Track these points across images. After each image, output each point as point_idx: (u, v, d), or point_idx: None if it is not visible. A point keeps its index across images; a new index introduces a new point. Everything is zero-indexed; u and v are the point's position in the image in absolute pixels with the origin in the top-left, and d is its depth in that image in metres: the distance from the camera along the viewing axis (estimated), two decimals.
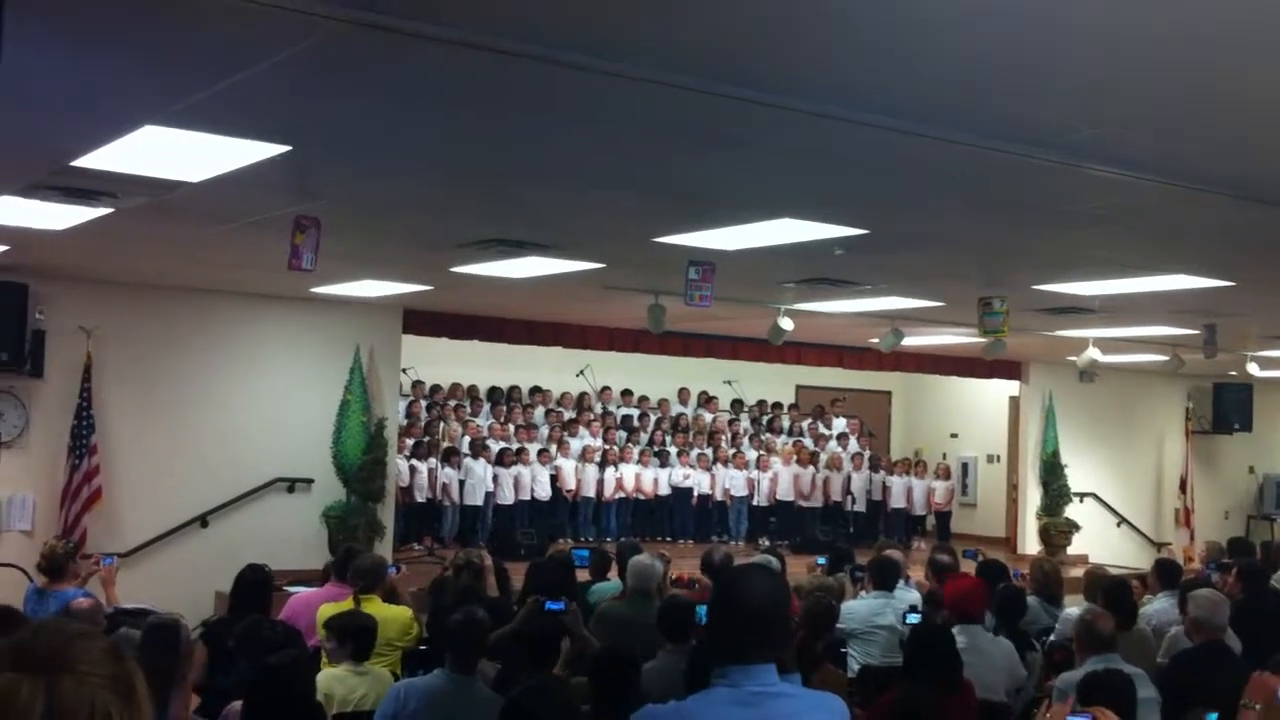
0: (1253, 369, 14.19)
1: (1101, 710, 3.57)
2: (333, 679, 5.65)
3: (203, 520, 11.94)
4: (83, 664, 1.77)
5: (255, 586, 7.05)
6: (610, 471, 15.92)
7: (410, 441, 14.41)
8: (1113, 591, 7.65)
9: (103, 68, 4.64)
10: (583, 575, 9.06)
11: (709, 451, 16.97)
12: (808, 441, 17.83)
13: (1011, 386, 18.02)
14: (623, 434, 16.66)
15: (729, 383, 18.28)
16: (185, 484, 11.83)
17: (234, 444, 12.12)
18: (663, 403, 17.78)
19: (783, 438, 17.93)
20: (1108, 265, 8.43)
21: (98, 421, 11.32)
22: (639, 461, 16.26)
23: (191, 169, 6.23)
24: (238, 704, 4.92)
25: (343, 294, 11.66)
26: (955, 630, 6.59)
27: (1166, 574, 8.72)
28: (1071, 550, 16.72)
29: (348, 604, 6.93)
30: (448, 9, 3.80)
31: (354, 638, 5.95)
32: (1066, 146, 5.14)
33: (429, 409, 15.53)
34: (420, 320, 13.26)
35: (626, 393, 17.60)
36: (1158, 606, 8.30)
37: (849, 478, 17.43)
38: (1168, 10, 3.56)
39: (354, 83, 4.70)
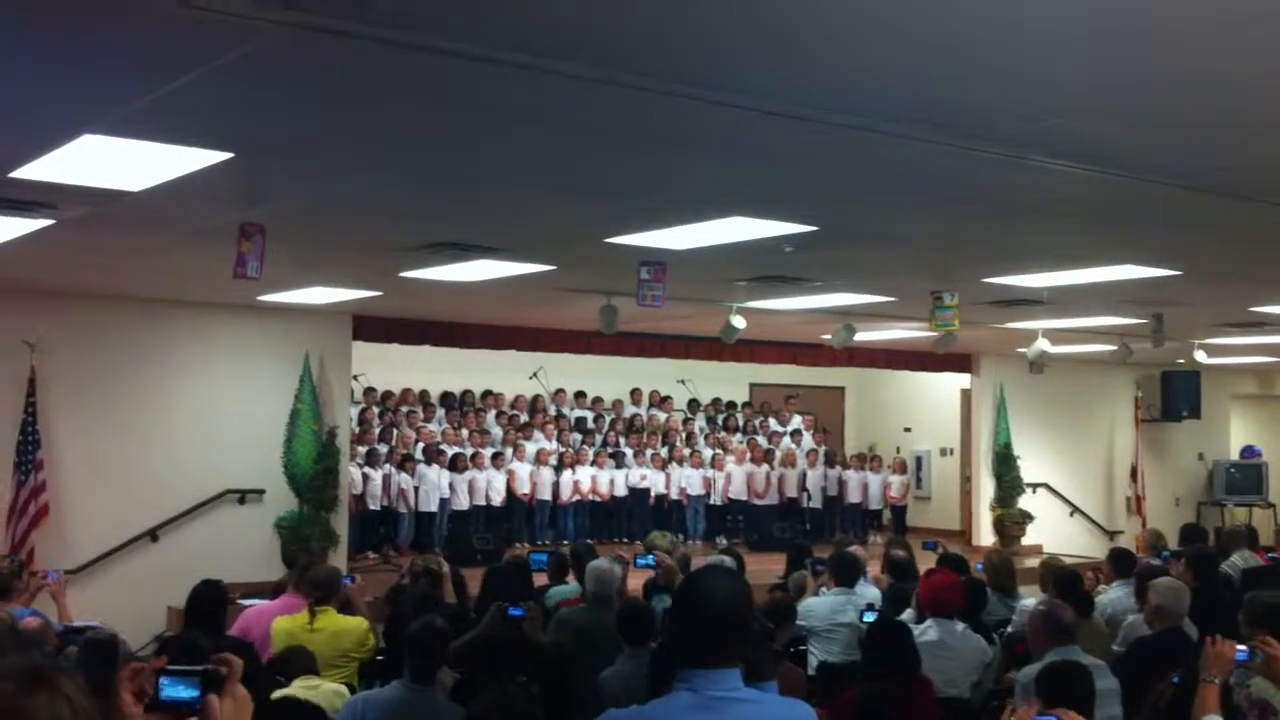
0: (1200, 356, 14.34)
1: (1065, 712, 3.56)
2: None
3: (153, 534, 11.78)
4: None
5: (209, 601, 6.93)
6: (566, 474, 15.86)
7: (363, 449, 14.30)
8: (1063, 583, 7.67)
9: (37, 76, 4.54)
10: (540, 579, 9.01)
11: (664, 451, 16.95)
12: (761, 439, 17.84)
13: (963, 379, 18.13)
14: (577, 436, 16.60)
15: (683, 382, 18.27)
16: (135, 498, 11.66)
17: (183, 456, 11.96)
18: (617, 404, 17.74)
19: (738, 436, 17.94)
20: (1056, 256, 8.48)
21: (44, 436, 11.14)
22: (594, 463, 16.21)
23: (133, 178, 6.13)
24: None
25: (291, 302, 11.54)
26: (929, 625, 6.60)
27: (1121, 563, 8.77)
28: (1026, 541, 16.85)
29: (302, 616, 6.85)
30: (388, 10, 3.74)
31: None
32: (1013, 139, 5.15)
33: (381, 415, 15.42)
34: (370, 326, 13.14)
35: (580, 395, 17.55)
36: (1113, 596, 8.34)
37: (804, 474, 17.46)
38: (1111, 2, 3.56)
39: (295, 87, 4.63)
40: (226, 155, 5.58)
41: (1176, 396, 18.57)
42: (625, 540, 15.67)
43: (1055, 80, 4.36)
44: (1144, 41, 3.91)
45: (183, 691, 2.18)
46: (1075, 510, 18.27)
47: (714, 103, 4.56)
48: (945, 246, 8.29)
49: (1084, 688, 4.79)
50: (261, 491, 12.37)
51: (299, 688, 5.67)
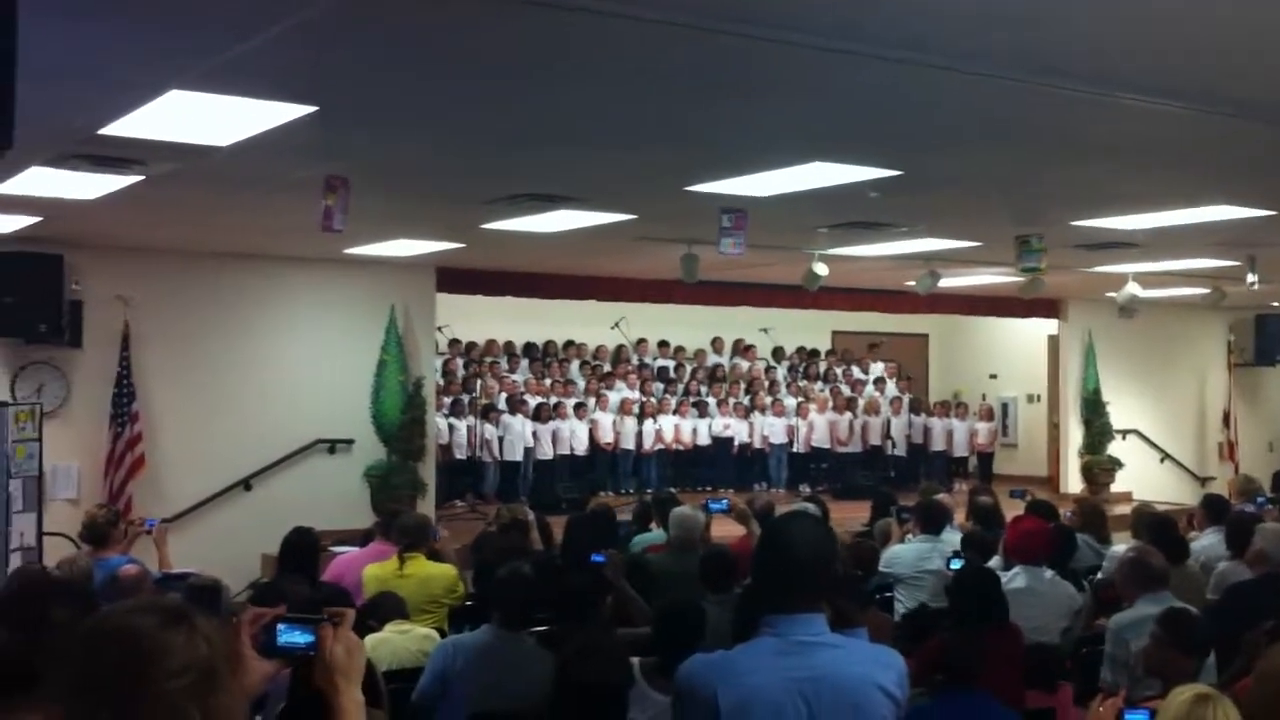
0: None
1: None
2: (377, 642, 5.65)
3: (246, 483, 12.03)
4: None
5: (301, 549, 7.08)
6: (649, 424, 15.90)
7: (448, 399, 14.44)
8: (1158, 528, 7.58)
9: (125, 32, 4.60)
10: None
11: (747, 400, 16.92)
12: (844, 387, 17.75)
13: (1050, 325, 17.84)
14: (660, 385, 16.63)
15: (764, 330, 18.19)
16: (227, 448, 11.90)
17: (274, 407, 12.18)
18: (699, 353, 17.72)
19: (820, 384, 17.86)
20: (1146, 198, 8.30)
21: (138, 389, 11.39)
22: (677, 412, 16.24)
23: (219, 133, 6.21)
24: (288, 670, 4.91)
25: (376, 254, 11.66)
26: (1016, 571, 6.56)
27: (1214, 509, 8.63)
28: (1115, 488, 16.62)
29: (392, 562, 6.96)
30: None
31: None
32: (1099, 77, 5.04)
33: (466, 366, 15.55)
34: (454, 278, 13.24)
35: (663, 344, 17.55)
36: (1206, 542, 8.21)
37: (888, 422, 17.35)
38: None
39: (377, 41, 4.66)
40: (310, 109, 5.63)
41: (1270, 340, 18.11)
42: (708, 489, 15.70)
43: (1146, 16, 4.25)
44: None
45: (299, 638, 2.27)
46: (1166, 456, 17.96)
47: (788, 44, 4.52)
48: (1032, 189, 8.14)
49: (1205, 638, 4.76)
50: (351, 441, 12.56)
51: (391, 631, 5.77)
